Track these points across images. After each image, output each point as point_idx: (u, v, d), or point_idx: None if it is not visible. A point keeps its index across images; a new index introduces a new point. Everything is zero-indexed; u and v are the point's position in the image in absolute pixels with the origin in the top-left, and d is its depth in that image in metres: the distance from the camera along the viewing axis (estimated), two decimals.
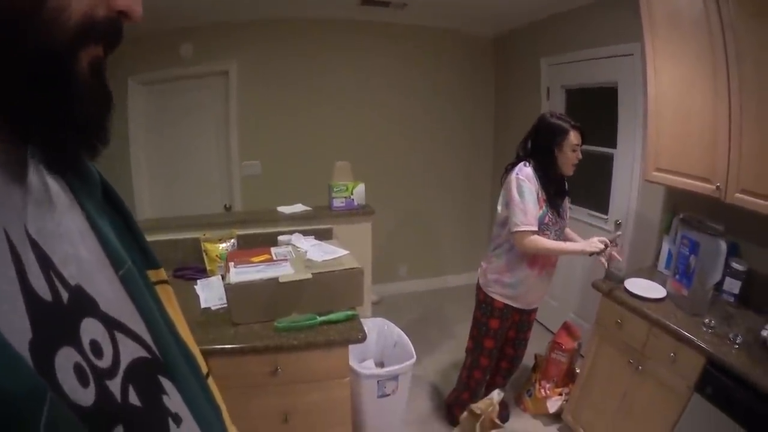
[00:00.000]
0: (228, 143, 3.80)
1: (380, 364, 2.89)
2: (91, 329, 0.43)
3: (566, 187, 2.43)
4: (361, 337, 1.88)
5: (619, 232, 2.68)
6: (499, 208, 2.35)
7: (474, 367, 2.71)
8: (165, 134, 3.77)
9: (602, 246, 2.16)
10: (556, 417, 2.83)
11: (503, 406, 2.97)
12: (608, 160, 3.23)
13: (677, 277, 2.29)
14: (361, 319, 2.46)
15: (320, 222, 2.68)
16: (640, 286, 2.30)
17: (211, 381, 0.71)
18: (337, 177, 2.76)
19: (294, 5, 3.52)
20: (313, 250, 2.14)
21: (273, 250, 2.17)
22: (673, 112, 2.28)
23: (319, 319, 1.92)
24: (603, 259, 2.20)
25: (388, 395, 2.53)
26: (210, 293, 2.14)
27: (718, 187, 2.02)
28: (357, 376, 2.36)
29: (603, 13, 3.05)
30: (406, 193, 4.55)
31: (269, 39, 3.79)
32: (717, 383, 1.83)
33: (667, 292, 2.30)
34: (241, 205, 3.98)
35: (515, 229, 2.18)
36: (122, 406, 0.44)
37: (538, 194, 2.21)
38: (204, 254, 2.35)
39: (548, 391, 2.87)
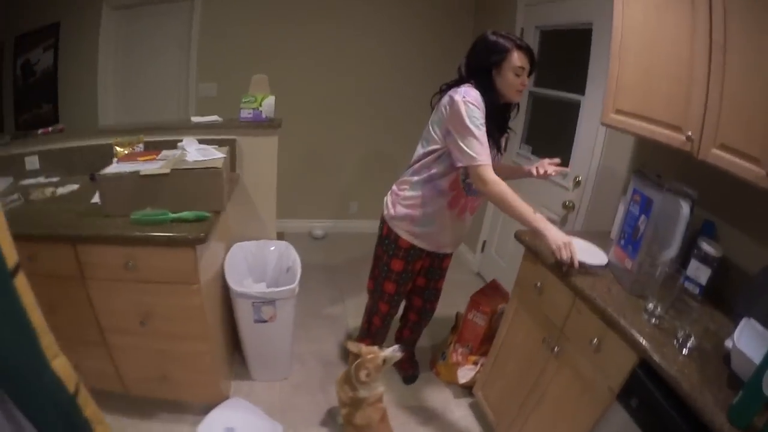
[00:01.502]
0: (188, 65, 3.73)
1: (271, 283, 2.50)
2: None
3: (509, 118, 1.90)
4: (203, 237, 1.69)
5: None
6: (433, 132, 1.79)
7: (373, 312, 2.20)
8: (131, 55, 3.76)
9: (568, 257, 1.56)
10: (469, 389, 2.27)
11: (410, 365, 2.44)
12: (575, 108, 2.56)
13: (621, 242, 1.60)
14: (265, 241, 2.44)
15: (226, 132, 2.40)
16: (576, 247, 1.60)
17: (20, 278, 0.72)
18: (253, 90, 2.45)
19: None
20: (194, 153, 1.96)
21: (164, 152, 2.02)
22: (640, 43, 1.59)
23: (171, 215, 1.77)
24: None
25: (266, 321, 2.12)
26: None
27: (689, 138, 1.35)
28: (233, 294, 2.08)
29: None
30: (367, 132, 4.09)
31: None
32: (646, 396, 1.22)
33: (609, 262, 1.64)
34: None
35: (474, 164, 1.65)
36: None
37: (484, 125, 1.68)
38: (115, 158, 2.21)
39: (461, 358, 2.30)
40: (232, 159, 2.38)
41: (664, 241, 1.43)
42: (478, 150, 1.64)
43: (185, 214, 1.78)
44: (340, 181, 4.20)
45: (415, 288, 2.19)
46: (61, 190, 2.11)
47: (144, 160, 1.91)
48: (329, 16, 3.65)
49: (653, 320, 1.34)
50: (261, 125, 2.40)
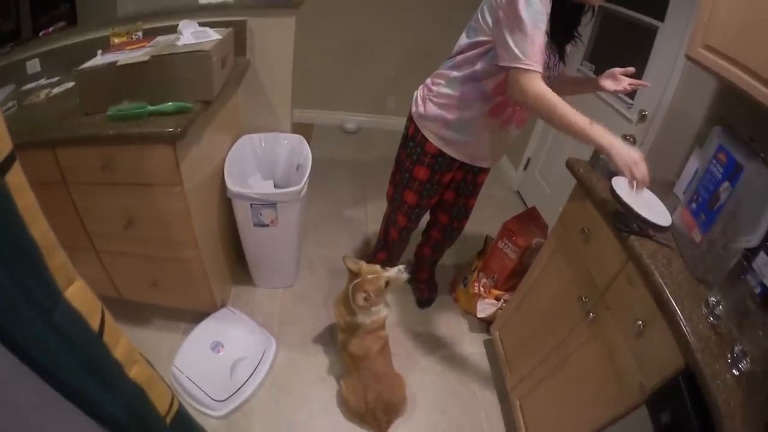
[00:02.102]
0: None
1: (275, 185, 2.27)
2: None
3: (579, 22, 1.42)
4: (179, 132, 1.43)
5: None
6: (482, 19, 1.36)
7: (390, 222, 1.96)
8: None
9: (644, 177, 1.15)
10: (488, 324, 2.05)
11: (428, 286, 2.22)
12: (650, 34, 2.04)
13: (693, 206, 1.20)
14: (276, 134, 2.20)
15: (236, 13, 2.00)
16: (635, 196, 1.20)
17: (14, 175, 0.53)
18: None
19: None
20: (188, 37, 1.64)
21: (158, 38, 1.72)
22: None
23: (149, 108, 1.50)
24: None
25: (267, 225, 1.92)
26: None
27: None
28: (229, 194, 1.86)
29: None
30: (412, 20, 3.45)
31: None
32: (681, 415, 0.92)
33: (673, 223, 1.24)
34: None
35: (516, 64, 1.24)
36: None
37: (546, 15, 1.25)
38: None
39: (483, 289, 2.04)
40: (241, 42, 2.03)
41: (747, 222, 1.03)
42: (528, 50, 1.22)
43: (164, 106, 1.51)
44: (378, 73, 3.70)
45: (443, 202, 1.89)
46: (56, 90, 1.89)
47: (131, 49, 1.62)
48: None
49: (711, 319, 0.99)
50: (275, 4, 1.98)
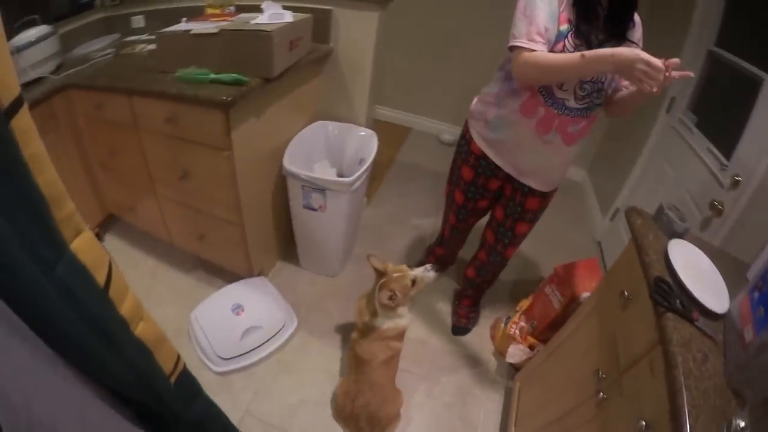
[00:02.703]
0: None
1: (340, 175, 2.24)
2: None
3: (622, 14, 1.25)
4: (229, 101, 1.49)
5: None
6: None
7: (445, 219, 1.95)
8: None
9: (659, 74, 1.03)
10: (516, 370, 1.80)
11: (466, 314, 2.06)
12: (754, 85, 1.64)
13: (755, 294, 0.89)
14: (350, 125, 2.21)
15: (321, 2, 2.01)
16: (693, 267, 0.99)
17: (21, 119, 0.48)
18: None
19: None
20: (264, 17, 1.70)
21: (241, 15, 1.82)
22: None
23: (211, 75, 1.61)
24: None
25: (315, 210, 1.93)
26: None
27: None
28: (284, 171, 1.90)
29: None
30: None
31: None
32: None
33: (729, 311, 0.97)
34: None
35: (513, 43, 1.23)
36: None
37: (561, 6, 1.21)
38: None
39: (518, 332, 1.82)
40: (325, 31, 2.05)
41: None
42: (524, 29, 1.21)
43: (224, 75, 1.60)
44: (481, 83, 3.46)
45: (491, 220, 1.77)
46: (150, 47, 2.09)
47: (213, 20, 1.74)
48: None
49: None
50: None
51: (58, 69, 2.01)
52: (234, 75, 1.58)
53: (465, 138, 1.62)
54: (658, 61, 1.04)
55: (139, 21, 2.49)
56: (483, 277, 1.94)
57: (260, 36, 1.56)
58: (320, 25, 2.00)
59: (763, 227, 1.40)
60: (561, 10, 1.21)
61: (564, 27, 1.21)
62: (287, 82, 1.80)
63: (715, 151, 1.83)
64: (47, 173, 0.52)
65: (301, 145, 2.03)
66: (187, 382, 0.91)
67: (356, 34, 2.04)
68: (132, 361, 0.69)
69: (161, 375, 0.79)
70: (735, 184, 1.62)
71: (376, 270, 1.58)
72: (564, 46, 1.22)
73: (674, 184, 2.08)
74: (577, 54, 1.15)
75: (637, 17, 1.29)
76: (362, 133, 2.17)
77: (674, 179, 2.10)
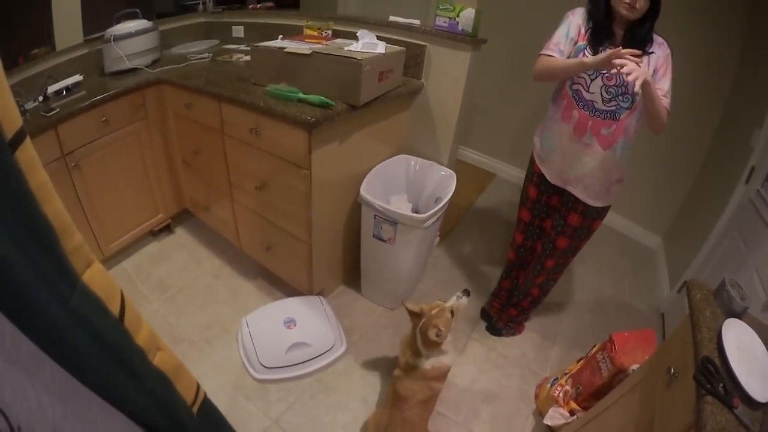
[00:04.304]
0: None
1: (415, 211, 2.27)
2: None
3: (620, 35, 1.53)
4: (312, 121, 1.60)
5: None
6: None
7: (512, 240, 2.09)
8: None
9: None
10: None
11: (505, 316, 2.19)
12: None
13: None
14: (432, 162, 2.26)
15: (418, 37, 2.14)
16: (746, 350, 0.93)
17: (25, 150, 0.50)
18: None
19: None
20: (358, 45, 1.86)
21: (338, 40, 2.00)
22: None
23: (300, 94, 1.75)
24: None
25: (384, 241, 2.00)
26: None
27: None
28: (359, 197, 1.99)
29: None
30: None
31: None
32: None
33: None
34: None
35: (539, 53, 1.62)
36: None
37: (581, 27, 1.57)
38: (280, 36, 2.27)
39: (562, 395, 1.73)
40: (417, 66, 2.17)
41: None
42: (544, 45, 1.60)
43: (312, 96, 1.72)
44: None
45: (542, 230, 1.96)
46: (246, 58, 2.30)
47: (309, 41, 1.92)
48: None
49: None
50: (454, 37, 2.04)
51: (154, 63, 2.23)
52: (322, 97, 1.69)
53: (531, 160, 1.86)
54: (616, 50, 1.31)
55: (239, 31, 2.72)
56: (528, 285, 2.06)
57: (351, 63, 1.66)
58: (413, 60, 2.12)
59: None
60: (582, 31, 1.56)
61: (582, 43, 1.54)
62: (374, 111, 1.91)
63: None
64: (54, 204, 0.52)
65: (381, 175, 2.12)
66: (210, 411, 0.94)
67: (447, 73, 2.13)
68: (154, 391, 0.70)
69: (183, 405, 0.81)
70: None
71: (411, 313, 1.63)
72: (584, 54, 1.52)
73: (745, 261, 1.94)
74: (579, 59, 1.47)
75: (659, 38, 1.50)
76: (442, 173, 2.22)
77: (746, 255, 1.97)
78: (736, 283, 1.15)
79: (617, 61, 1.30)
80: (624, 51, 1.30)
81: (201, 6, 2.81)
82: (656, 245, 3.21)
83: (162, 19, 2.53)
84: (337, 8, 3.69)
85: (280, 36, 2.02)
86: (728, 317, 1.06)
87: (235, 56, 2.35)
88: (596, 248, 2.85)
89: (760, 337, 1.03)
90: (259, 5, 2.86)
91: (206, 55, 2.36)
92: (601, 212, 1.74)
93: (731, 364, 0.93)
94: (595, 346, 1.79)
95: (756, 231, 1.94)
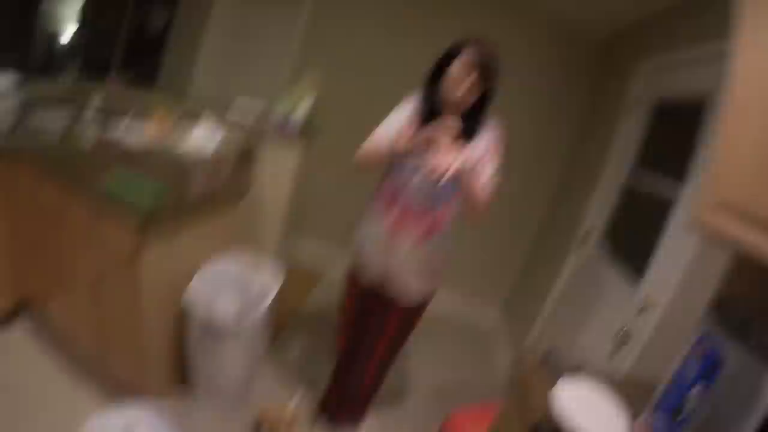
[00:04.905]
0: (289, 50, 3.43)
1: (242, 313, 2.09)
2: None
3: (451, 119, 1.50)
4: (143, 219, 1.55)
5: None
6: None
7: (340, 337, 1.99)
8: (238, 36, 3.65)
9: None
10: None
11: (337, 405, 2.03)
12: (667, 206, 1.87)
13: (657, 417, 0.97)
14: (257, 259, 2.17)
15: (253, 131, 2.17)
16: (585, 404, 1.01)
17: None
18: (300, 89, 2.14)
19: None
20: (197, 137, 1.94)
21: (179, 127, 2.02)
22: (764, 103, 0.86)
23: (134, 189, 1.69)
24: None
25: (214, 343, 1.86)
26: None
27: None
28: (184, 297, 1.87)
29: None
30: None
31: None
32: None
33: None
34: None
35: None
36: None
37: (412, 117, 1.62)
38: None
39: None
40: (248, 163, 2.18)
41: None
42: (376, 129, 1.64)
43: (144, 191, 1.68)
44: None
45: (368, 323, 1.86)
46: (104, 132, 2.13)
47: (149, 132, 1.94)
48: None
49: None
50: (286, 132, 2.11)
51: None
52: (153, 192, 1.63)
53: (353, 256, 1.83)
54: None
55: (95, 105, 2.51)
56: (359, 379, 1.95)
57: (180, 161, 1.69)
58: (245, 158, 2.12)
59: (675, 343, 1.32)
60: (413, 119, 1.59)
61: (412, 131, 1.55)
62: (202, 210, 1.86)
63: (626, 278, 2.01)
64: None
65: (208, 276, 2.00)
66: None
67: (278, 168, 2.15)
68: None
69: None
70: (646, 307, 1.74)
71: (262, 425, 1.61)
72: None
73: (586, 316, 2.17)
74: (397, 141, 1.49)
75: (490, 123, 1.60)
76: (269, 272, 2.16)
77: (585, 311, 2.20)
78: (560, 348, 1.26)
79: (432, 162, 1.32)
80: (440, 131, 1.37)
81: (65, 72, 2.56)
82: (495, 319, 3.44)
83: (27, 80, 2.23)
84: (193, 82, 3.61)
85: (128, 118, 1.98)
86: (560, 379, 1.13)
87: (88, 131, 2.14)
88: (432, 330, 2.95)
89: (604, 385, 1.12)
90: (116, 80, 2.70)
91: (63, 126, 2.12)
92: (420, 310, 1.77)
93: (564, 422, 0.98)
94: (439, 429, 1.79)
95: (595, 285, 2.19)
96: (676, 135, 2.15)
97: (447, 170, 1.28)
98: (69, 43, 2.70)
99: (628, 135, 2.44)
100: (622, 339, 1.76)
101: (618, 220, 2.41)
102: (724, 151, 0.96)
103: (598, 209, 2.45)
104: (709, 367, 0.90)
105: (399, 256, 1.63)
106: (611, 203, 2.43)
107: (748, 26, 0.94)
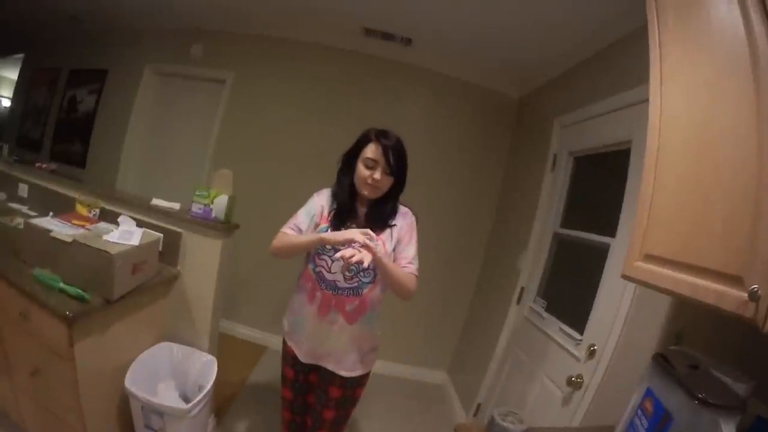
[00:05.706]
0: (206, 145, 3.73)
1: (184, 398, 2.17)
2: None
3: (363, 212, 1.66)
4: (71, 316, 1.59)
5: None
6: None
7: (282, 419, 1.92)
8: (161, 122, 3.98)
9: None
10: None
11: None
12: (602, 256, 1.94)
13: None
14: (193, 349, 2.26)
15: (175, 223, 2.24)
16: None
17: None
18: (215, 185, 2.22)
19: (300, 27, 3.44)
20: (117, 233, 1.88)
21: (101, 224, 2.06)
22: (683, 144, 0.96)
23: (60, 284, 1.71)
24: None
25: (156, 431, 1.89)
26: None
27: (753, 296, 0.71)
28: (125, 389, 1.89)
29: (620, 55, 2.15)
30: None
31: (271, 56, 3.59)
32: None
33: None
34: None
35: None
36: None
37: (324, 208, 1.67)
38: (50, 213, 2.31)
39: None
40: (174, 253, 2.25)
41: None
42: (288, 221, 1.65)
43: (70, 288, 1.70)
44: None
45: (307, 404, 1.85)
46: (31, 222, 2.14)
47: (75, 223, 1.99)
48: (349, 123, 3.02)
49: None
50: (207, 224, 2.18)
51: None
52: (78, 290, 1.67)
53: (283, 340, 1.81)
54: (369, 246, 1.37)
55: (24, 190, 2.45)
56: None
57: (104, 257, 1.69)
58: (169, 247, 2.20)
59: (624, 389, 1.36)
60: (324, 213, 1.64)
61: (324, 225, 1.61)
62: (131, 302, 1.91)
63: (567, 328, 2.04)
64: None
65: (145, 364, 2.03)
66: None
67: (202, 259, 2.22)
68: None
69: None
70: (591, 354, 1.80)
71: None
72: None
73: (532, 371, 2.20)
74: (317, 235, 1.52)
75: (403, 208, 1.68)
76: (204, 359, 2.22)
77: (531, 365, 2.24)
78: (506, 411, 1.33)
79: (345, 253, 1.34)
80: (358, 233, 1.39)
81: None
82: (442, 380, 3.49)
83: None
84: (118, 172, 3.84)
85: (51, 213, 2.03)
86: None
87: (16, 220, 2.20)
88: (382, 398, 3.01)
89: None
90: (44, 165, 2.66)
91: None
92: (361, 380, 1.75)
93: None
94: None
95: (536, 340, 2.24)
96: (600, 185, 2.27)
97: (362, 260, 1.32)
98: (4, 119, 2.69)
99: (554, 189, 2.54)
100: (573, 387, 1.82)
101: (553, 273, 2.44)
102: (643, 204, 1.05)
103: (533, 263, 2.53)
104: (659, 422, 0.91)
105: (330, 338, 1.64)
106: (544, 257, 2.47)
107: (661, 79, 1.05)
